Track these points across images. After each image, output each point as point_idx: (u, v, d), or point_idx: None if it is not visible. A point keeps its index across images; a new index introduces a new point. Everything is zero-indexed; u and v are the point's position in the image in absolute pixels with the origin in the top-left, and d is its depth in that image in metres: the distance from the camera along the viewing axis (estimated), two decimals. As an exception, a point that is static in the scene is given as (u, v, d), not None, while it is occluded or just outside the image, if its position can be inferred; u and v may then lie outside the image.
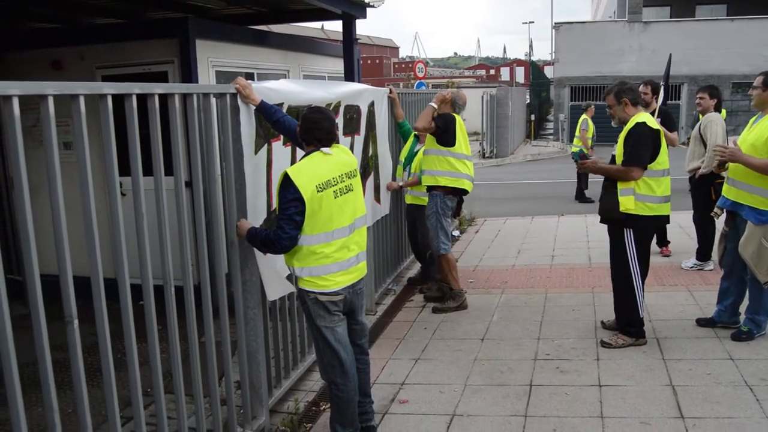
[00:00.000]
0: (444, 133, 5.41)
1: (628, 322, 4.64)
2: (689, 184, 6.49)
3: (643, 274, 4.55)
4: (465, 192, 5.67)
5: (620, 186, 4.41)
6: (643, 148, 4.33)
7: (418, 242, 6.36)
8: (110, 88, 2.43)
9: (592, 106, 11.89)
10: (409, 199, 6.31)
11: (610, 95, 4.53)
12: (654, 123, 4.46)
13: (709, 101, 6.16)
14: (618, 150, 4.48)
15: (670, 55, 7.56)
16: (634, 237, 4.46)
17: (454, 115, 5.51)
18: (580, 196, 11.50)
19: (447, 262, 5.70)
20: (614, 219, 4.47)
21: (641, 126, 4.37)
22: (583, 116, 11.61)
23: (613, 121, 4.62)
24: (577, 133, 11.71)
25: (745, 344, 4.54)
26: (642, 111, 4.54)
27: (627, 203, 4.37)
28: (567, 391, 4.01)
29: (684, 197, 6.79)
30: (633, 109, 4.48)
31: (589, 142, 11.34)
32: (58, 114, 2.14)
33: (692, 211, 6.52)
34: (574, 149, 11.83)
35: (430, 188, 5.60)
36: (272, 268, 3.56)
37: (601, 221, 4.63)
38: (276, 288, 3.58)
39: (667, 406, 3.72)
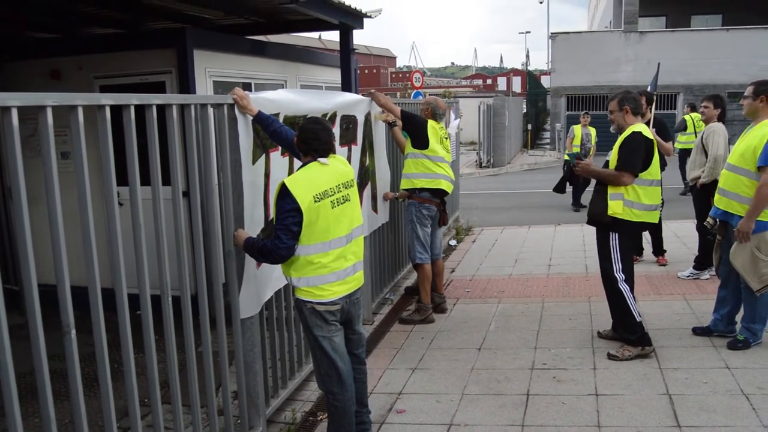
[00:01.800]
0: (412, 131, 5.51)
1: (625, 329, 4.66)
2: (689, 192, 6.49)
3: (629, 278, 4.63)
4: (444, 193, 5.68)
5: (611, 190, 4.52)
6: (636, 156, 4.44)
7: None
8: (108, 99, 2.45)
9: (586, 116, 12.04)
10: None
11: (614, 101, 4.67)
12: (649, 134, 4.57)
13: (713, 111, 6.19)
14: (612, 156, 4.58)
15: (659, 64, 7.62)
16: (619, 240, 4.57)
17: (428, 120, 5.58)
18: (576, 203, 11.55)
19: (421, 272, 5.73)
20: (602, 222, 4.59)
21: (637, 135, 4.49)
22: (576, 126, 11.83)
23: (612, 126, 4.74)
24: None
25: (741, 353, 4.55)
26: (641, 122, 4.65)
27: (615, 207, 4.49)
28: (564, 400, 4.01)
29: (679, 206, 6.81)
30: (632, 118, 4.60)
31: (574, 149, 11.53)
32: (56, 123, 2.15)
33: (695, 221, 6.53)
34: (566, 157, 11.98)
35: (408, 197, 5.68)
36: (255, 289, 3.55)
37: (589, 223, 4.76)
38: (250, 307, 3.54)
39: (664, 415, 3.73)
